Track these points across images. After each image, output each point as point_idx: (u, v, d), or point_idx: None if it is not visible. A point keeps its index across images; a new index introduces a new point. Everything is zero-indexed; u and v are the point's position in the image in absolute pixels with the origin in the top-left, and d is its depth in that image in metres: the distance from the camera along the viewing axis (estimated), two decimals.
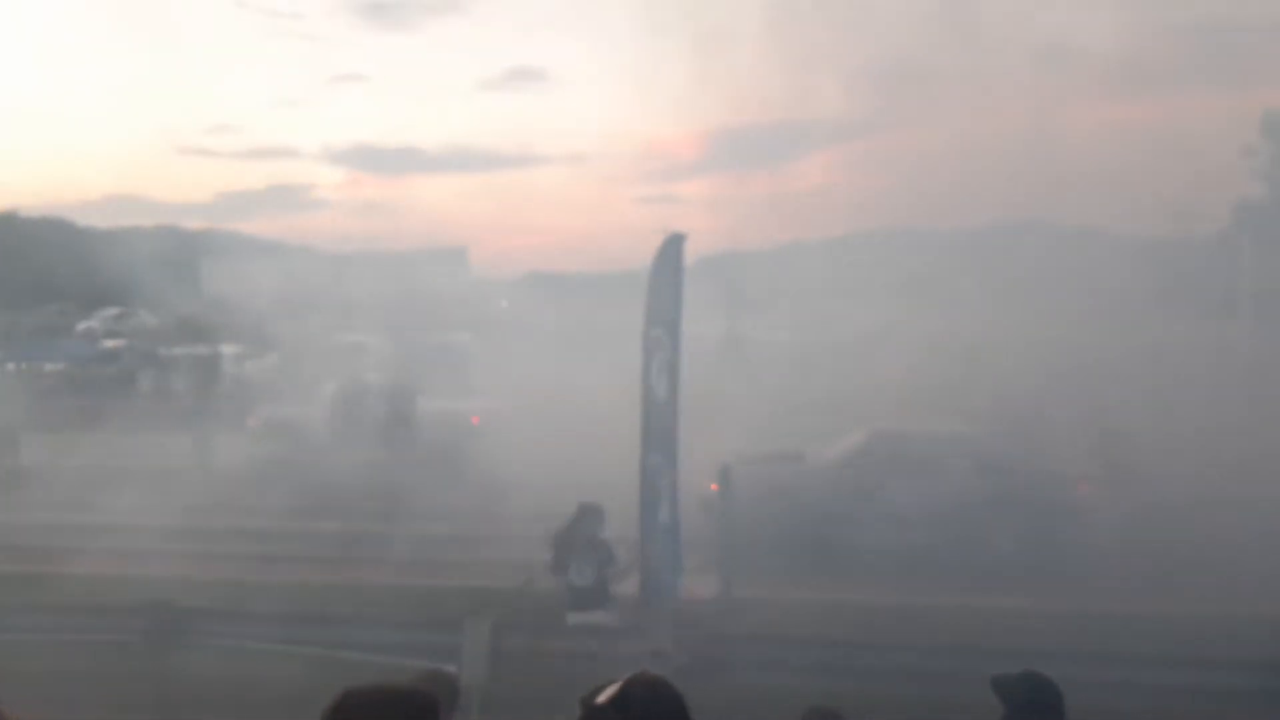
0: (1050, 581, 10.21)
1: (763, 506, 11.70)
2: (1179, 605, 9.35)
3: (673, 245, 9.13)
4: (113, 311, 44.57)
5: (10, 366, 28.37)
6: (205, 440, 17.87)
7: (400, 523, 12.76)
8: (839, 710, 3.85)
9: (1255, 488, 12.29)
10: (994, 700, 3.36)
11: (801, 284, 31.96)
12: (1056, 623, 8.88)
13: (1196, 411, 15.57)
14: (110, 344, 31.84)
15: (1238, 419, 14.21)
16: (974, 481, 11.76)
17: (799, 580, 10.42)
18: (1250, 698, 6.39)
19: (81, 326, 41.23)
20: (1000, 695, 3.22)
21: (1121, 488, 11.90)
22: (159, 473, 15.44)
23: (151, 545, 12.14)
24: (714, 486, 10.96)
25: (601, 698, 2.19)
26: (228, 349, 30.07)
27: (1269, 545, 10.24)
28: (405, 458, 15.24)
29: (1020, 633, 8.27)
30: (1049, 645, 7.41)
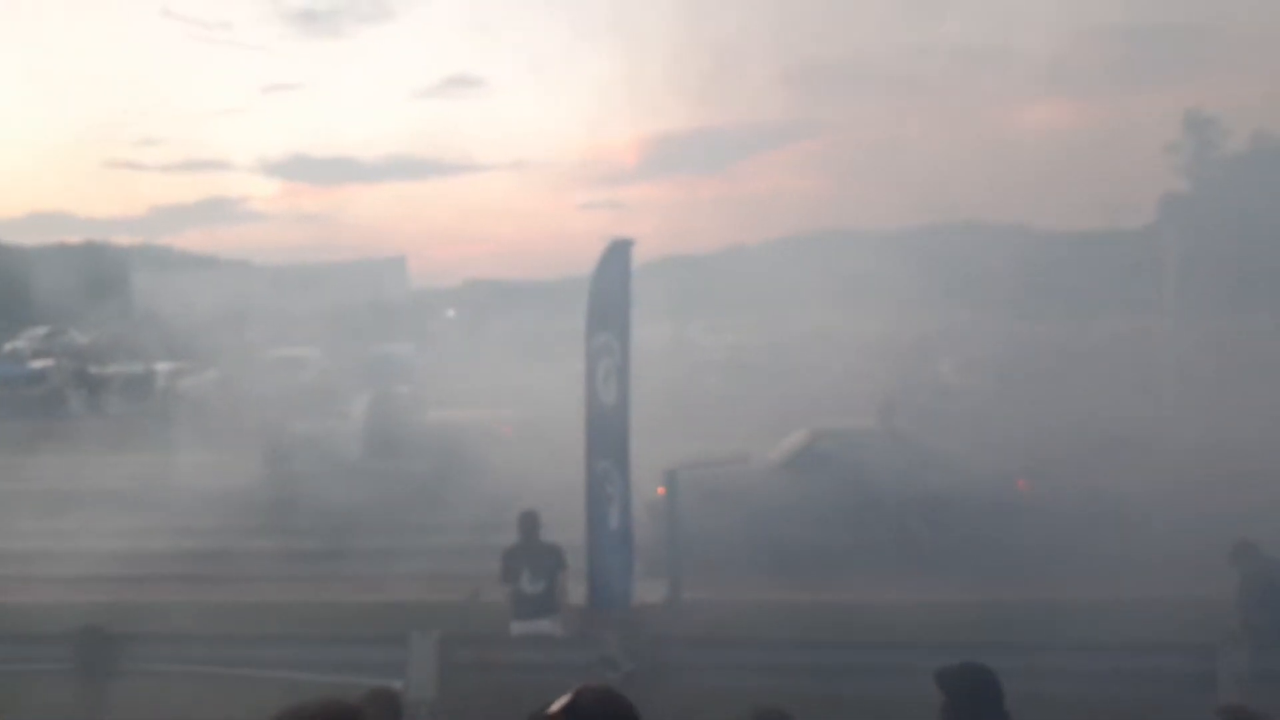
0: (990, 576, 10.38)
1: (709, 509, 11.74)
2: (1111, 592, 9.58)
3: (619, 250, 9.12)
4: (41, 331, 43.38)
5: None
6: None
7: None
8: (785, 709, 3.89)
9: (1183, 476, 12.65)
10: (936, 694, 3.42)
11: (744, 287, 32.21)
12: (997, 614, 9.03)
13: (1126, 404, 15.99)
14: (38, 364, 30.94)
15: (1165, 410, 14.60)
16: (914, 479, 11.92)
17: (747, 582, 10.48)
18: (1178, 679, 6.57)
19: (7, 347, 40.04)
20: (942, 687, 3.29)
21: (1056, 482, 12.16)
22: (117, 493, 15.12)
23: (93, 569, 11.83)
24: (660, 491, 10.97)
25: (553, 708, 2.19)
26: (162, 366, 29.39)
27: (1194, 532, 10.55)
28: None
29: (962, 627, 8.40)
30: (989, 638, 7.53)
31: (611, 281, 9.03)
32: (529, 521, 8.09)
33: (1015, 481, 12.05)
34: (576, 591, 9.21)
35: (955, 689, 3.28)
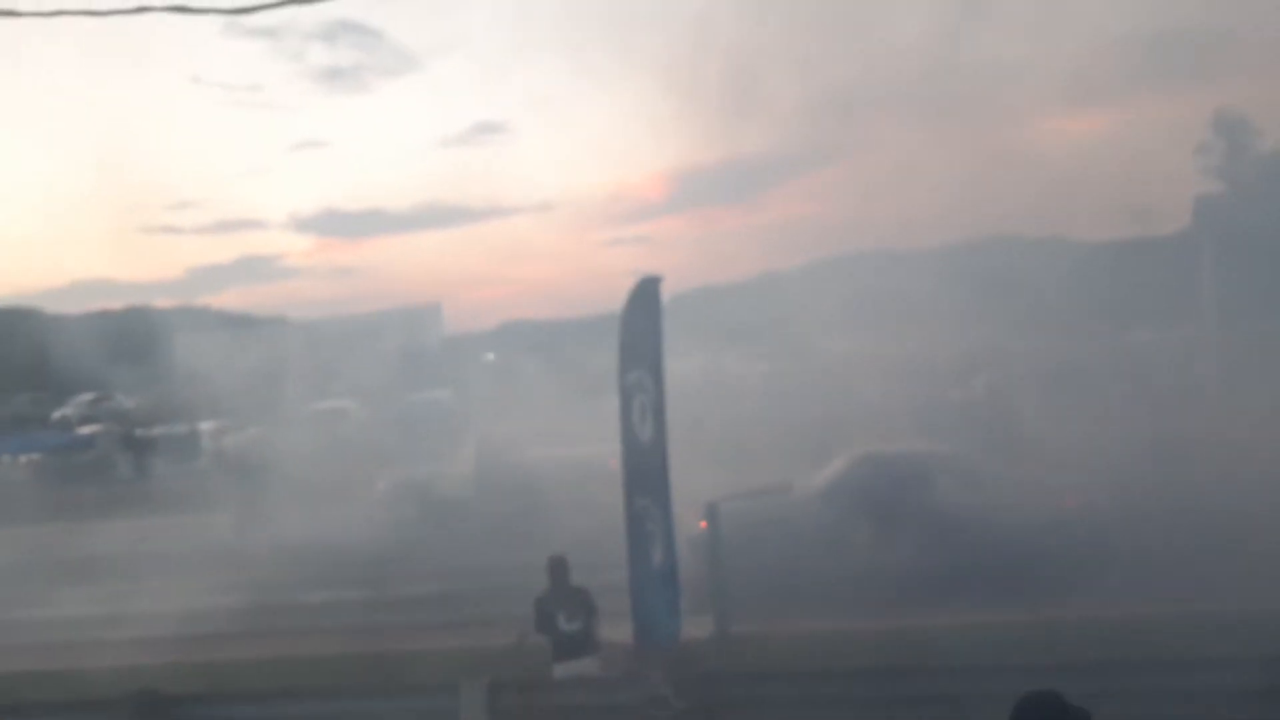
0: (1043, 593, 10.18)
1: (755, 541, 11.65)
2: (1170, 606, 9.35)
3: (648, 287, 9.14)
4: (88, 397, 44.18)
5: None
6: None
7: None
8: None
9: (1232, 483, 12.38)
10: None
11: (777, 314, 32.12)
12: (1058, 634, 8.84)
13: (1171, 413, 15.71)
14: (87, 430, 31.49)
15: (1210, 416, 14.32)
16: (962, 499, 11.76)
17: (795, 614, 10.33)
18: (1244, 696, 6.37)
19: (56, 415, 40.80)
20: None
21: (1105, 496, 11.94)
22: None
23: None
24: (702, 524, 10.91)
25: None
26: (206, 425, 29.79)
27: (1257, 544, 10.29)
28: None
29: (1024, 648, 8.22)
30: (1054, 659, 7.37)
31: (642, 318, 9.04)
32: (559, 566, 8.01)
33: (1063, 497, 11.84)
34: (622, 631, 9.17)
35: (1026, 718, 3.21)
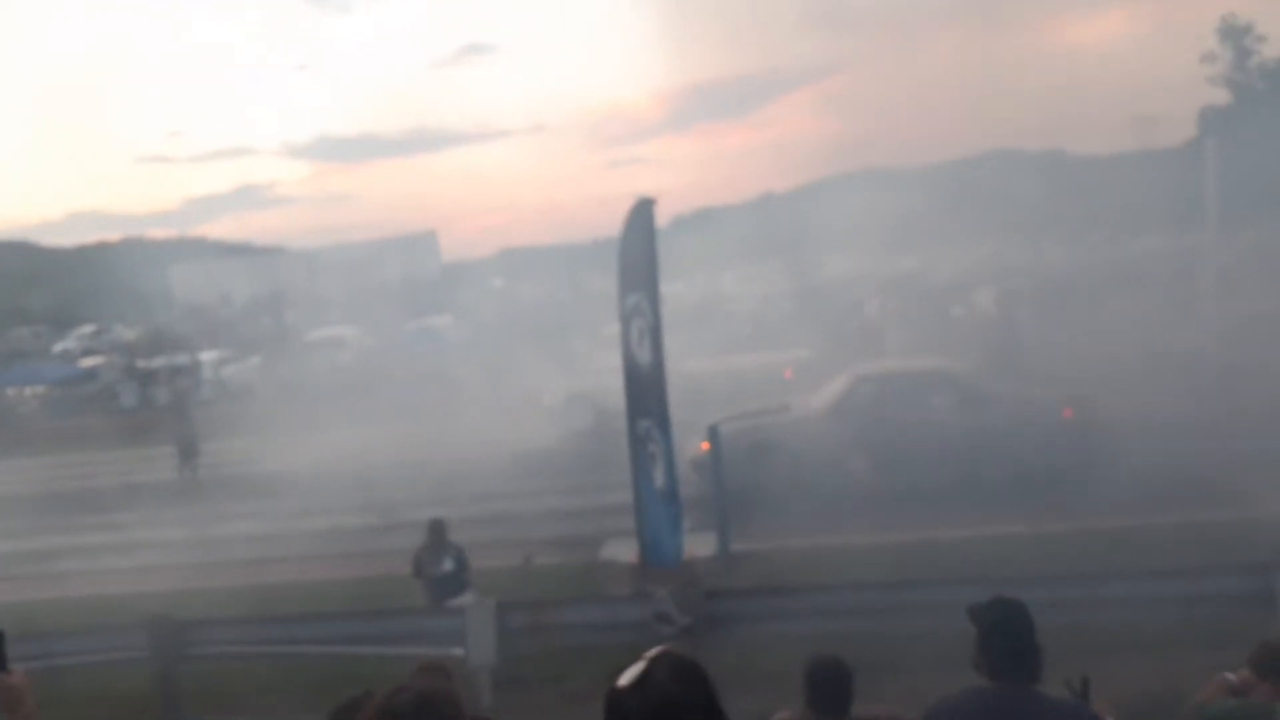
0: (1043, 506, 10.31)
1: (754, 461, 11.77)
2: (1165, 517, 9.49)
3: (643, 210, 9.05)
4: (88, 329, 44.23)
5: None
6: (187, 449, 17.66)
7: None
8: (841, 659, 3.93)
9: (1230, 396, 12.44)
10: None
11: (775, 235, 31.98)
12: (1050, 546, 8.99)
13: (1170, 324, 15.70)
14: (88, 362, 31.55)
15: (1209, 328, 14.31)
16: (959, 415, 11.84)
17: (798, 531, 10.48)
18: (1236, 600, 6.51)
19: (58, 348, 40.86)
20: (973, 621, 3.37)
21: (1103, 409, 12.02)
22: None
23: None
24: (705, 446, 11.00)
25: (623, 680, 2.04)
26: (206, 355, 29.84)
27: (1245, 452, 10.40)
28: None
29: (1014, 560, 8.37)
30: (1041, 570, 7.51)
31: (638, 242, 8.98)
32: (438, 526, 8.79)
33: (1062, 410, 11.91)
34: (628, 550, 9.34)
35: (984, 622, 3.36)
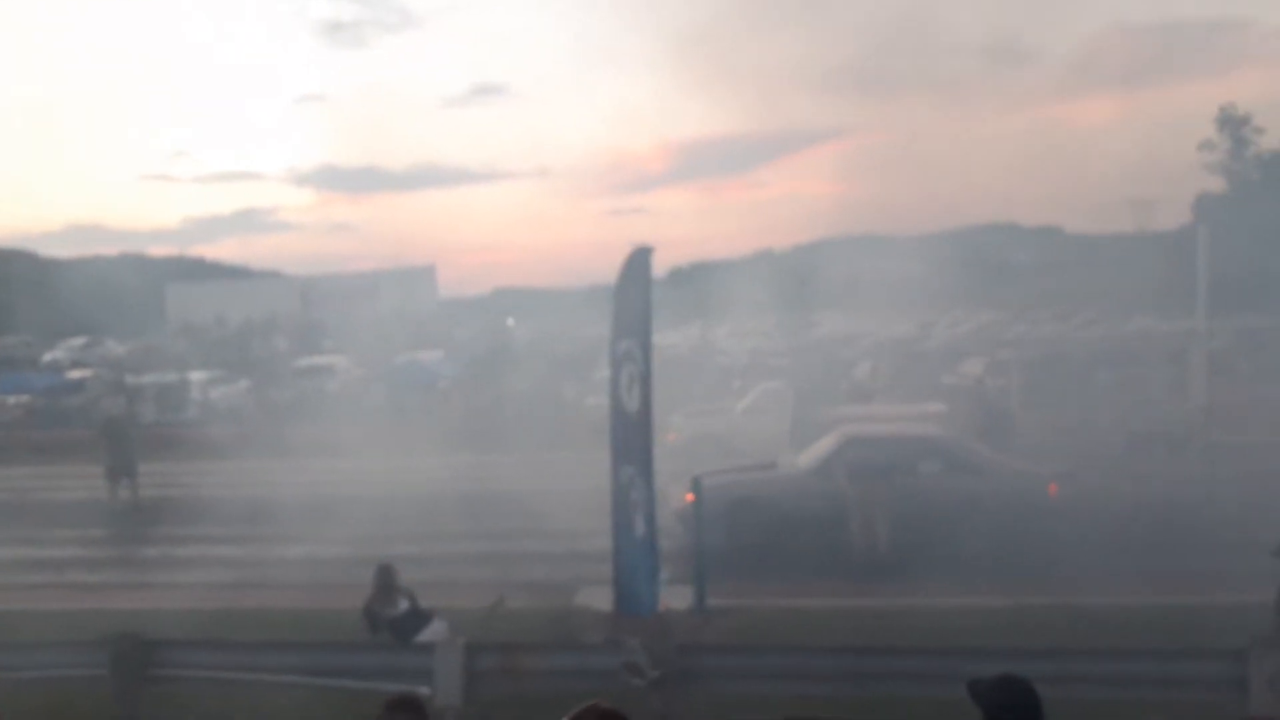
0: (1023, 579, 10.26)
1: (737, 516, 11.72)
2: (1144, 597, 9.44)
3: (640, 258, 9.11)
4: (79, 341, 44.04)
5: None
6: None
7: None
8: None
9: (1217, 476, 12.45)
10: (969, 706, 3.34)
11: (770, 291, 32.15)
12: (1027, 618, 8.92)
13: (1159, 404, 15.77)
14: (76, 374, 31.36)
15: (1198, 410, 14.36)
16: (944, 483, 11.82)
17: (774, 588, 10.41)
18: (1210, 684, 6.46)
19: (47, 357, 40.65)
20: (977, 701, 3.20)
21: (1089, 485, 12.03)
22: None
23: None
24: (689, 498, 10.95)
25: None
26: (196, 375, 29.69)
27: (1229, 534, 10.39)
28: None
29: (991, 631, 8.30)
30: (1019, 642, 7.45)
31: (633, 289, 9.02)
32: (385, 573, 8.51)
33: (1047, 485, 11.89)
34: (602, 599, 9.26)
35: (988, 703, 3.18)
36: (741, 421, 18.45)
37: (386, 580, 8.50)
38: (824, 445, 13.14)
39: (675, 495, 11.79)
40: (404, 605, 8.38)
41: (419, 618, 8.36)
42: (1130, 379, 17.74)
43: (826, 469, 12.39)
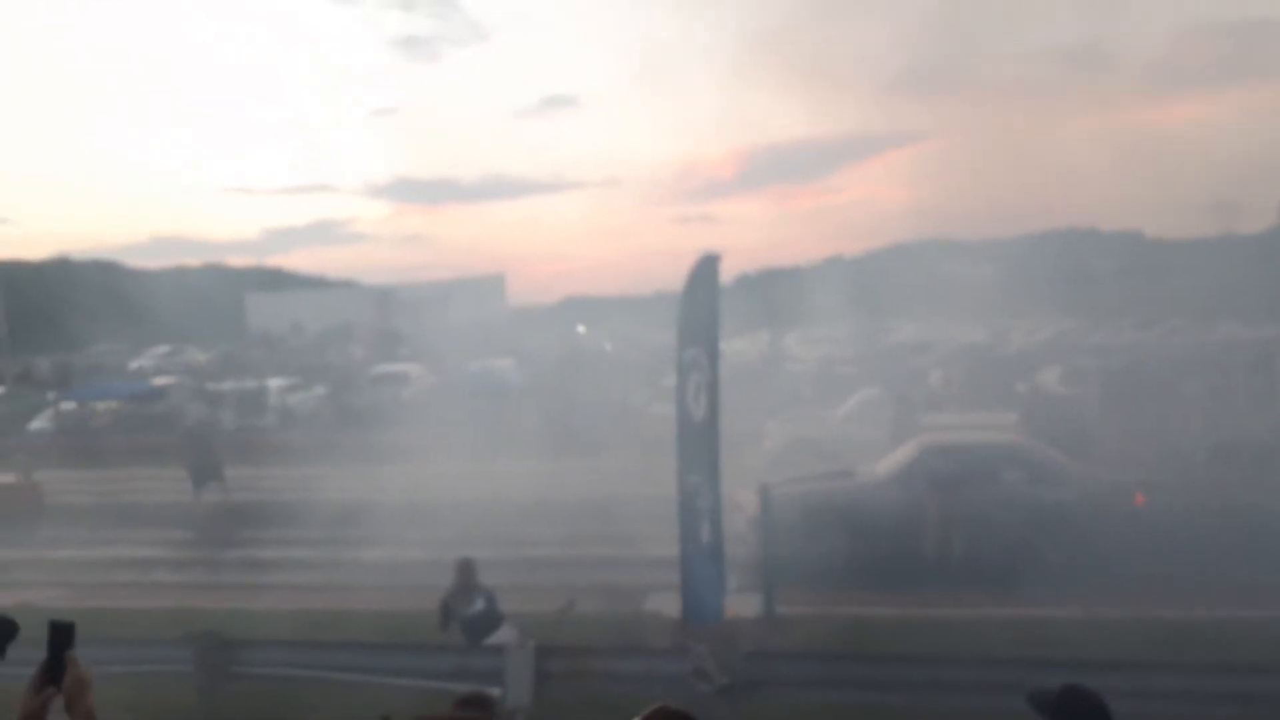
0: (1105, 592, 10.01)
1: (814, 524, 11.60)
2: (1232, 610, 9.16)
3: (707, 265, 9.11)
4: (162, 349, 45.48)
5: (67, 405, 28.96)
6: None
7: None
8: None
9: None
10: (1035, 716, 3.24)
11: (842, 298, 31.86)
12: (1108, 633, 8.71)
13: (1244, 413, 15.25)
14: (160, 381, 32.37)
15: None
16: (1027, 492, 11.59)
17: (849, 596, 10.31)
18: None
19: (132, 365, 42.01)
20: (1038, 711, 3.08)
21: (1175, 495, 11.69)
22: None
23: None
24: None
25: None
26: (274, 382, 30.43)
27: None
28: None
29: (1066, 643, 8.12)
30: (1104, 655, 7.27)
31: (700, 296, 9.03)
32: (466, 566, 8.60)
33: (1134, 494, 11.58)
34: (671, 605, 9.26)
35: (1051, 714, 3.05)
36: (840, 429, 18.10)
37: (467, 575, 8.59)
38: (904, 453, 12.95)
39: (750, 503, 11.74)
40: (479, 604, 8.48)
41: (491, 620, 8.45)
42: (1215, 388, 17.20)
43: (906, 477, 12.20)
